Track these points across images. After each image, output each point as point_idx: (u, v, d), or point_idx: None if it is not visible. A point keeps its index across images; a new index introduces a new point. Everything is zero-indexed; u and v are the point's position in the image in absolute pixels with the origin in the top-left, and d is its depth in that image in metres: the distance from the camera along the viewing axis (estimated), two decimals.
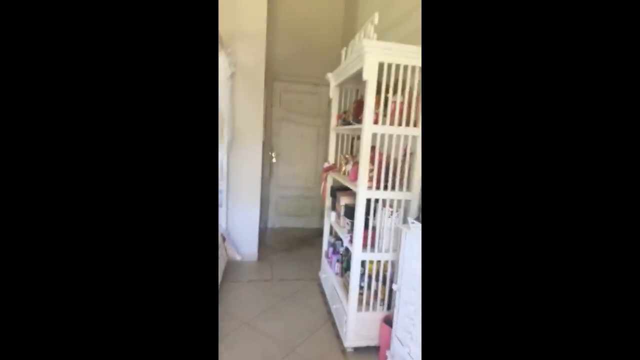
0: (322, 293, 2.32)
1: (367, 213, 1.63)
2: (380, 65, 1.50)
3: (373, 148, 1.61)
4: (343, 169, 2.10)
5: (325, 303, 2.19)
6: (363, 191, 1.59)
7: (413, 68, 1.54)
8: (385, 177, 1.60)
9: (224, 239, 2.57)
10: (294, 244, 3.37)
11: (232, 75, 2.53)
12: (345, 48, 2.08)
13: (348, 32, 3.32)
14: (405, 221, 1.57)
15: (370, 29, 1.59)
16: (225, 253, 2.56)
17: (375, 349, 1.68)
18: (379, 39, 1.58)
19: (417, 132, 1.58)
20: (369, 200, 1.61)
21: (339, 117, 2.27)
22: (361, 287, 1.69)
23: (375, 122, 1.56)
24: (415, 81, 1.56)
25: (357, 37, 1.82)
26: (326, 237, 2.42)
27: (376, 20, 1.55)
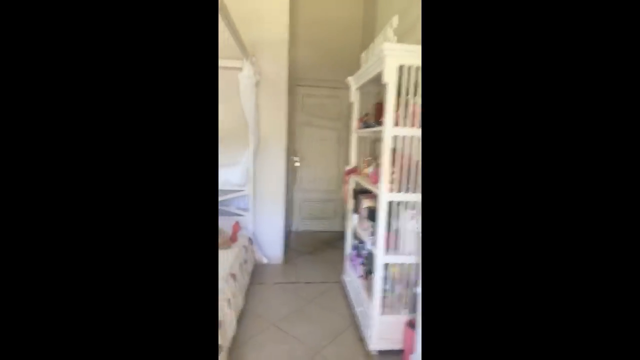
0: (346, 296, 2.33)
1: (390, 215, 1.63)
2: (400, 68, 1.51)
3: (394, 150, 1.61)
4: (364, 171, 2.11)
5: (349, 306, 2.20)
6: (385, 193, 1.59)
7: None
8: (407, 179, 1.60)
9: (251, 242, 2.65)
10: (318, 247, 3.40)
11: (257, 84, 2.61)
12: (365, 52, 2.10)
13: (367, 36, 3.33)
14: None
15: (390, 32, 1.60)
16: (253, 256, 2.64)
17: (400, 353, 1.67)
18: (398, 41, 1.59)
19: None
20: (390, 203, 1.61)
21: (359, 120, 2.28)
22: (385, 290, 1.69)
23: (396, 124, 1.56)
24: None
25: (376, 40, 1.84)
26: (349, 240, 2.43)
27: (395, 24, 1.56)
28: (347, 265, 2.38)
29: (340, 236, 3.51)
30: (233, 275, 1.86)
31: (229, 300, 1.62)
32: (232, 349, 1.67)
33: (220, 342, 1.38)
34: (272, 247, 2.91)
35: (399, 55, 1.49)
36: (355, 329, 1.95)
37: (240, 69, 2.40)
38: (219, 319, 1.43)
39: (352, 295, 2.18)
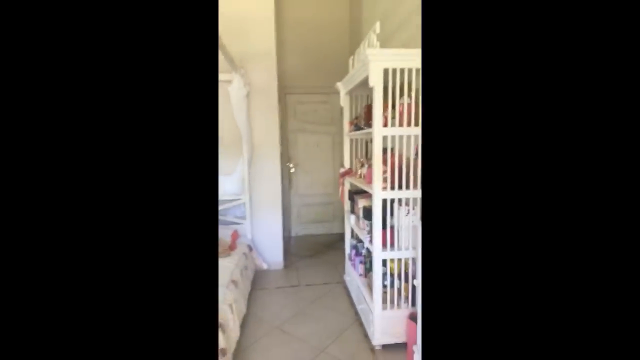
0: (348, 295, 2.37)
1: (385, 213, 1.68)
2: (385, 71, 1.58)
3: (385, 150, 1.67)
4: (359, 172, 2.17)
5: (352, 304, 2.24)
6: (378, 192, 1.65)
7: (417, 70, 1.60)
8: (399, 177, 1.66)
9: (250, 250, 2.69)
10: (318, 250, 3.44)
11: (248, 95, 2.67)
12: (352, 57, 2.17)
13: (354, 40, 3.42)
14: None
15: (373, 37, 1.67)
16: (253, 263, 2.68)
17: (404, 346, 1.71)
18: (383, 45, 1.66)
19: None
20: (385, 201, 1.67)
21: (351, 123, 2.35)
22: (385, 286, 1.74)
23: (385, 125, 1.62)
24: (420, 82, 1.62)
25: (361, 46, 1.91)
26: (348, 240, 2.48)
27: (378, 30, 1.63)
28: (348, 265, 2.43)
29: (340, 238, 3.55)
30: (234, 282, 1.90)
31: (231, 306, 1.66)
32: (236, 353, 1.71)
33: (224, 345, 1.41)
34: (272, 253, 2.95)
35: (382, 60, 1.56)
36: (359, 326, 1.99)
37: (230, 81, 2.47)
38: (223, 323, 1.46)
39: (354, 293, 2.22)
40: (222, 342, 1.38)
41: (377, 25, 1.63)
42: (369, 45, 1.71)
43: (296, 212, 3.91)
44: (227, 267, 1.98)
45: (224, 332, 1.44)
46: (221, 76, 2.45)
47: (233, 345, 1.61)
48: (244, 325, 1.96)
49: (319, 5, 3.64)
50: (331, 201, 3.91)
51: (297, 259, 3.18)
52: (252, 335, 1.92)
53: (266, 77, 2.78)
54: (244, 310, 1.98)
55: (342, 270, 2.66)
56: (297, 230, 3.94)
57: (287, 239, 3.68)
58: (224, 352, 1.40)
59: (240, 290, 1.98)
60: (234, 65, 2.27)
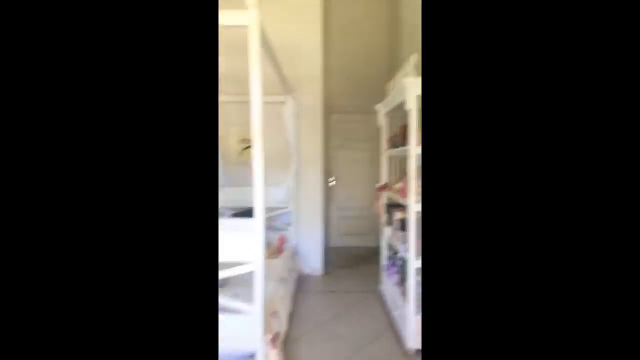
0: (383, 303, 2.51)
1: (419, 224, 1.84)
2: (420, 97, 1.78)
3: (420, 166, 1.85)
4: (395, 187, 2.35)
5: (386, 312, 2.37)
6: (413, 205, 1.82)
7: None
8: None
9: (294, 254, 2.95)
10: (355, 261, 3.62)
11: (297, 114, 3.01)
12: (390, 82, 2.40)
13: (392, 65, 3.65)
14: None
15: (410, 67, 1.89)
16: (297, 266, 2.93)
17: None
18: (419, 70, 1.86)
19: None
20: (419, 213, 1.83)
21: (388, 140, 2.55)
22: (419, 293, 1.87)
23: (420, 143, 1.81)
24: None
25: (400, 74, 2.14)
26: (384, 251, 2.64)
27: (414, 61, 1.85)
28: (383, 274, 2.58)
29: (374, 251, 3.67)
30: (283, 279, 2.16)
31: (282, 298, 1.91)
32: (285, 343, 1.93)
33: (278, 329, 1.65)
34: (313, 260, 3.19)
35: (418, 87, 1.77)
36: (393, 331, 2.13)
37: (283, 103, 2.82)
38: (276, 311, 1.71)
39: (389, 301, 2.36)
40: (276, 327, 1.62)
41: (414, 57, 1.85)
42: (405, 75, 1.93)
43: (334, 223, 4.13)
44: (277, 267, 2.25)
45: (277, 318, 1.68)
46: (276, 98, 2.83)
47: (284, 333, 1.84)
48: (290, 320, 2.19)
49: (362, 34, 3.95)
50: (367, 215, 4.08)
51: (335, 268, 3.38)
52: (297, 330, 2.14)
53: (313, 98, 3.12)
54: (290, 306, 2.22)
55: (377, 281, 2.81)
56: (335, 241, 4.14)
57: (326, 249, 3.89)
58: (279, 335, 1.64)
59: (287, 288, 2.23)
60: (288, 89, 2.61)
